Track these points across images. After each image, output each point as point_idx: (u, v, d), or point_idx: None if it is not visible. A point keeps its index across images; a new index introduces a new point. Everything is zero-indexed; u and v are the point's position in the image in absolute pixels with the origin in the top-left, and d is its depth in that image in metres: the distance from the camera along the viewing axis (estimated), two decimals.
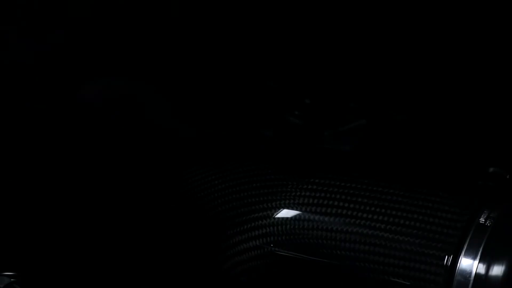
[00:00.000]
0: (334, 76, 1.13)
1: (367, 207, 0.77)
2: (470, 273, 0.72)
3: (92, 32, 1.06)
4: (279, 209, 0.80)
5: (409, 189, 0.78)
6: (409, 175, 0.80)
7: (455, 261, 0.73)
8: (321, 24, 1.17)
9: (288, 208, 0.80)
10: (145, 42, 1.12)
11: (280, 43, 1.18)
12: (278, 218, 0.80)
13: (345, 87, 1.11)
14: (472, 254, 0.72)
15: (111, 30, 1.09)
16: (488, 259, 0.72)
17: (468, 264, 0.72)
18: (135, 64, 1.12)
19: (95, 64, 1.07)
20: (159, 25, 1.13)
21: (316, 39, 1.17)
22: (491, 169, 0.82)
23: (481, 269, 0.72)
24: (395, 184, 0.78)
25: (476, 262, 0.72)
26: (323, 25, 1.17)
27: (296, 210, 0.79)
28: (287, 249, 0.79)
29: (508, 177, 0.82)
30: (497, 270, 0.71)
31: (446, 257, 0.73)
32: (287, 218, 0.79)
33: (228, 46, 1.18)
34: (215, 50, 1.17)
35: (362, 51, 1.14)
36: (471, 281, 0.72)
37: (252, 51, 1.17)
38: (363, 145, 1.06)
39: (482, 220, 0.74)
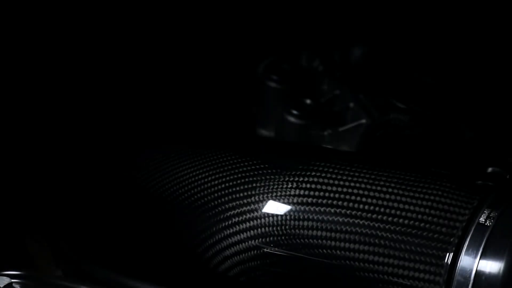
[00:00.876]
0: (336, 75, 1.13)
1: (366, 206, 0.77)
2: (470, 273, 0.72)
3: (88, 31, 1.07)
4: (277, 208, 0.80)
5: (408, 189, 0.78)
6: (409, 175, 0.80)
7: (455, 261, 0.73)
8: (322, 22, 1.17)
9: (286, 207, 0.80)
10: (147, 40, 1.13)
11: (281, 42, 1.18)
12: (277, 217, 0.80)
13: (347, 86, 1.11)
14: (472, 254, 0.72)
15: (108, 29, 1.09)
16: (488, 259, 0.72)
17: (468, 264, 0.72)
18: (135, 63, 1.12)
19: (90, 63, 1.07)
20: (160, 23, 1.13)
21: (318, 39, 1.17)
22: (491, 169, 0.82)
23: (481, 269, 0.72)
24: (395, 183, 0.78)
25: (476, 262, 0.72)
26: (324, 23, 1.17)
27: (296, 209, 0.79)
28: (286, 249, 0.78)
29: (508, 177, 0.82)
30: (497, 270, 0.71)
31: (446, 257, 0.73)
32: (286, 217, 0.79)
33: (228, 45, 1.18)
34: (217, 50, 1.18)
35: (363, 51, 1.14)
36: (471, 281, 0.72)
37: (254, 51, 1.17)
38: (363, 144, 1.06)
39: (482, 220, 0.74)
